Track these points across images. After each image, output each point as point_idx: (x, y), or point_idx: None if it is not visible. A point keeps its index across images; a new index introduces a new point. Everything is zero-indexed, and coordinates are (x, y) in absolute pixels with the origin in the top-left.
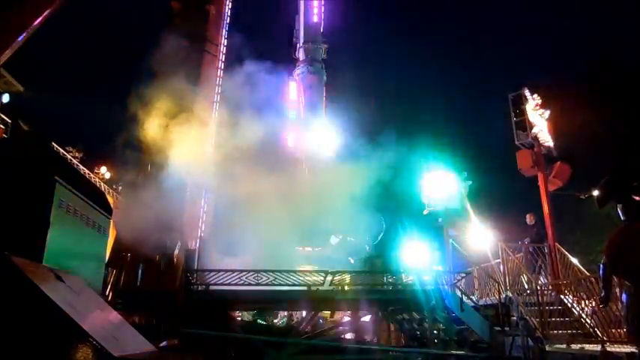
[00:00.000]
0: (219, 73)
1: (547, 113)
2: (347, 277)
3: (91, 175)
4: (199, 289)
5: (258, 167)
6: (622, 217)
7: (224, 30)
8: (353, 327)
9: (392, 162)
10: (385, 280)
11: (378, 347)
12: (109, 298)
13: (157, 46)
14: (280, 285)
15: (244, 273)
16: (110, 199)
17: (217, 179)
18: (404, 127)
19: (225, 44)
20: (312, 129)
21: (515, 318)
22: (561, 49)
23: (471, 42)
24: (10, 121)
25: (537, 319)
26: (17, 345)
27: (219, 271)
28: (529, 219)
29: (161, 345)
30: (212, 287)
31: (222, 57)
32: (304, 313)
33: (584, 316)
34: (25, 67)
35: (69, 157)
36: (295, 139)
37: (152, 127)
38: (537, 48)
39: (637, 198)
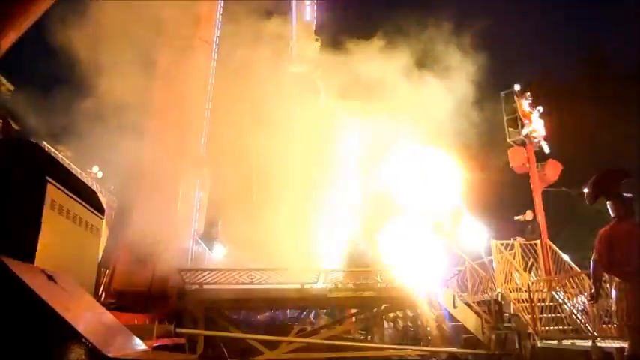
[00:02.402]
0: (213, 64)
1: (539, 111)
2: (340, 275)
3: (83, 175)
4: (193, 287)
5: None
6: (611, 214)
7: (216, 28)
8: (347, 325)
9: (386, 157)
10: (379, 278)
11: (372, 345)
12: (102, 298)
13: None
14: (273, 283)
15: (237, 271)
16: (102, 199)
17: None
18: (397, 124)
19: (217, 40)
20: None
21: (507, 314)
22: (554, 46)
23: (465, 39)
24: (0, 120)
25: (529, 316)
26: (9, 346)
27: (212, 269)
28: (529, 215)
29: (155, 345)
30: (206, 286)
31: (215, 55)
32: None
33: (575, 312)
34: (15, 65)
35: (60, 156)
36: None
37: (144, 123)
38: (531, 45)
39: (626, 195)
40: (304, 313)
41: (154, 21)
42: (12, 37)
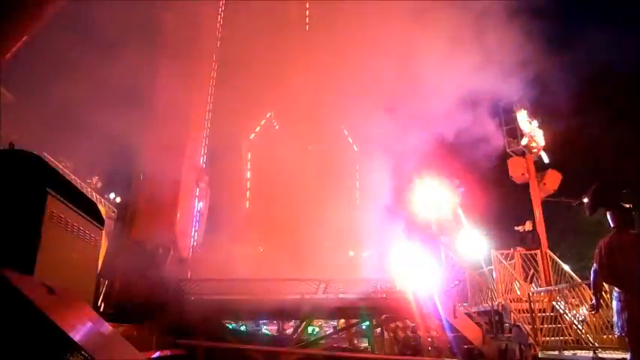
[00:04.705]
0: (212, 81)
1: (538, 120)
2: (340, 285)
3: (83, 185)
4: (192, 298)
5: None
6: (611, 224)
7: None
8: (347, 335)
9: (387, 170)
10: (379, 288)
11: (372, 356)
12: (101, 309)
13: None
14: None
15: (237, 282)
16: (102, 209)
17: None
18: (395, 135)
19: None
20: None
21: (507, 325)
22: (553, 56)
23: (462, 48)
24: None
25: (530, 326)
26: (8, 358)
27: (211, 280)
28: (529, 225)
29: (154, 356)
30: (205, 297)
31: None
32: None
33: (576, 323)
34: (15, 76)
35: (61, 166)
36: None
37: (145, 134)
38: (529, 55)
39: (626, 205)
40: (304, 323)
41: (154, 30)
42: (11, 48)
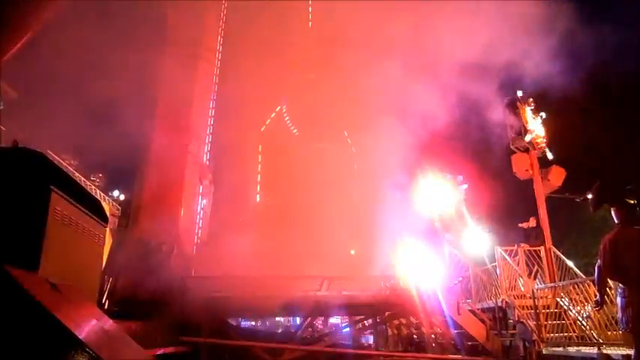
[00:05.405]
0: (215, 79)
1: (542, 117)
2: (344, 282)
3: (87, 183)
4: (196, 295)
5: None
6: (615, 220)
7: (220, 37)
8: (351, 332)
9: (388, 164)
10: (382, 285)
11: (375, 352)
12: (105, 306)
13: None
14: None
15: (242, 279)
16: (106, 207)
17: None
18: (399, 131)
19: (221, 51)
20: None
21: (512, 321)
22: (557, 52)
23: (466, 42)
24: (4, 128)
25: (534, 323)
26: (13, 355)
27: (215, 277)
28: (533, 222)
29: (158, 353)
30: (209, 294)
31: (218, 64)
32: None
33: (581, 319)
34: (19, 73)
35: (65, 164)
36: None
37: (148, 132)
38: (533, 50)
39: (630, 201)
40: (308, 320)
41: (158, 27)
42: (13, 45)
